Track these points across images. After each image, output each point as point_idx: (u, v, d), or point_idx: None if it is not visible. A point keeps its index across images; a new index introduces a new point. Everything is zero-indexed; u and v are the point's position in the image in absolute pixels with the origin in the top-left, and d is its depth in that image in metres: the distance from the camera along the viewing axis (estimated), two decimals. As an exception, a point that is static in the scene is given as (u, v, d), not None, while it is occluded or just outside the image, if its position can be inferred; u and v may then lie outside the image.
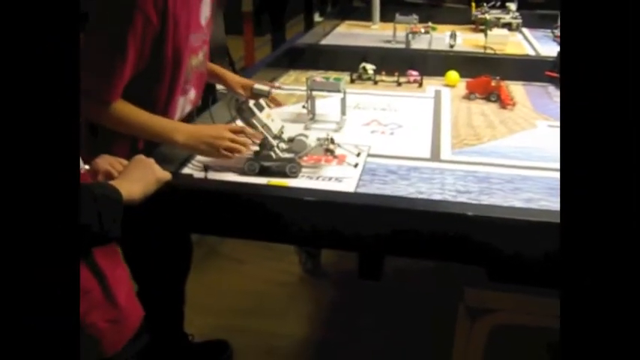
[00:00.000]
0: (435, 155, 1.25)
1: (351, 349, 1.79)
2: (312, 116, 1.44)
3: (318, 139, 1.16)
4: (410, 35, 2.10)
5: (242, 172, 1.13)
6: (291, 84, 1.80)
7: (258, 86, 1.36)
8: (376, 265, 0.93)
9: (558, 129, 1.42)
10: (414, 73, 1.76)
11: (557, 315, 0.78)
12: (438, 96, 1.66)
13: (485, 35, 2.18)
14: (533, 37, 2.43)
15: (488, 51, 2.10)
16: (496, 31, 2.22)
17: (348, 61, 1.85)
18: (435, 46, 2.16)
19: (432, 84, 1.76)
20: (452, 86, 1.75)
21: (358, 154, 1.21)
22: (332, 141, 1.16)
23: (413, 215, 0.88)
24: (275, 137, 1.15)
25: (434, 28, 2.24)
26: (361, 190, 1.08)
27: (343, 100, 1.42)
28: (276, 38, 4.48)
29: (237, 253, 2.24)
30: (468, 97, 1.63)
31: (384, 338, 1.81)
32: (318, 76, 1.47)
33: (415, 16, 2.20)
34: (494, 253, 0.89)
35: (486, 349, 0.95)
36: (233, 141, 1.13)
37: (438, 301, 1.88)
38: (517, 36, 2.44)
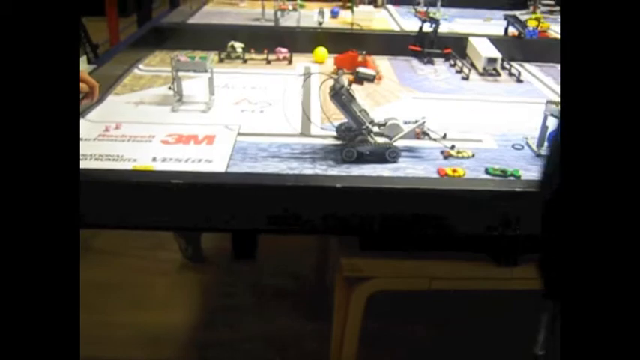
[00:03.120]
0: (305, 131, 1.26)
1: (235, 331, 1.78)
2: (179, 97, 1.39)
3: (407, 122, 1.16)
4: (279, 13, 2.09)
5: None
6: (157, 65, 1.73)
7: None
8: (250, 245, 0.92)
9: (421, 100, 1.49)
10: (283, 50, 1.76)
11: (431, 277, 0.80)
12: (306, 72, 1.67)
13: (352, 12, 2.23)
14: (397, 14, 2.52)
15: (355, 27, 2.14)
16: (362, 8, 2.27)
17: (216, 40, 1.80)
18: (304, 24, 2.17)
19: (301, 61, 1.77)
20: (320, 62, 1.76)
21: (449, 142, 1.18)
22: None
23: (284, 191, 0.88)
24: (371, 123, 1.12)
25: (302, 6, 2.25)
26: (232, 170, 1.06)
27: (211, 80, 1.38)
28: (141, 18, 4.27)
29: (112, 245, 2.14)
30: (336, 72, 1.65)
31: (265, 319, 1.81)
32: (184, 55, 1.42)
33: (282, -7, 2.19)
34: (364, 222, 0.91)
35: (364, 318, 0.98)
36: None
37: (320, 276, 1.92)
38: (382, 12, 2.52)
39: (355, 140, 1.12)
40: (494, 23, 2.41)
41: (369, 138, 1.12)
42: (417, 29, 1.91)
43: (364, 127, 1.12)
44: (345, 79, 1.16)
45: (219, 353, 1.72)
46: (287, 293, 1.87)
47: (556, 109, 1.18)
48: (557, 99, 1.42)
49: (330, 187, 0.87)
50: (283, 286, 1.90)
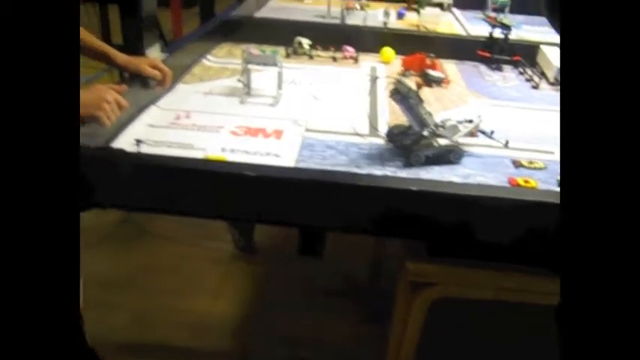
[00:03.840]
0: (373, 131, 1.25)
1: (282, 324, 1.79)
2: (247, 90, 1.40)
3: (467, 121, 1.17)
4: (345, 11, 2.08)
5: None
6: (224, 57, 1.74)
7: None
8: (318, 242, 0.91)
9: (489, 106, 1.46)
10: (350, 49, 1.75)
11: (497, 288, 0.80)
12: (373, 72, 1.66)
13: (419, 14, 2.20)
14: (463, 18, 2.48)
15: (422, 29, 2.12)
16: (429, 10, 2.24)
17: (282, 35, 1.81)
18: (369, 24, 2.15)
19: (367, 60, 1.76)
20: (387, 63, 1.75)
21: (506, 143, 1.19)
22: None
23: (357, 191, 0.88)
24: (436, 125, 1.11)
25: (367, 5, 2.24)
26: (300, 165, 1.06)
27: (280, 74, 1.38)
28: (204, 10, 4.33)
29: (168, 231, 2.18)
30: (403, 74, 1.64)
31: (315, 318, 1.81)
32: (255, 48, 1.43)
33: (349, -8, 2.18)
34: (434, 227, 0.90)
35: (425, 323, 0.96)
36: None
37: (374, 278, 1.91)
38: (448, 15, 2.48)
39: (420, 144, 1.10)
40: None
41: (433, 141, 1.10)
42: (485, 34, 1.87)
43: (430, 129, 1.10)
44: (410, 82, 1.15)
45: (263, 348, 1.73)
46: (339, 293, 1.87)
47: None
48: None
49: (404, 189, 0.86)
50: (335, 286, 1.90)
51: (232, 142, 1.14)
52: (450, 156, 1.11)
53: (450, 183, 0.98)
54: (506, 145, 1.19)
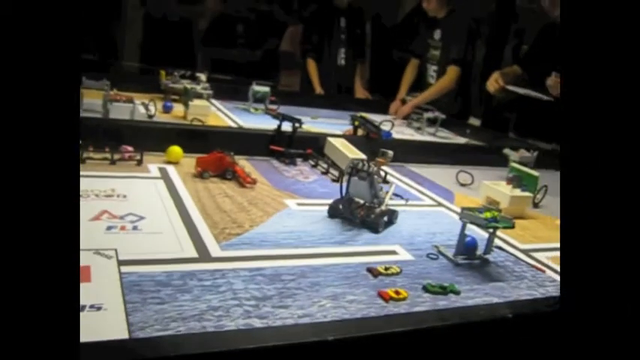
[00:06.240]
0: (203, 253, 1.01)
1: None
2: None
3: None
4: (109, 103, 1.78)
5: None
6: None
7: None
8: None
9: (310, 207, 1.34)
10: (129, 148, 1.47)
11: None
12: (166, 175, 1.41)
13: (187, 106, 2.02)
14: (225, 109, 2.38)
15: (195, 122, 1.94)
16: (197, 102, 2.08)
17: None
18: (136, 117, 1.88)
19: (152, 161, 1.49)
20: (175, 163, 1.52)
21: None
22: None
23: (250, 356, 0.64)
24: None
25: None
26: (136, 318, 0.76)
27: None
28: None
29: None
30: (200, 175, 1.43)
31: None
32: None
33: (107, 81, 1.88)
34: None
35: None
36: None
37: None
38: (210, 107, 2.35)
39: (376, 212, 1.26)
40: (321, 121, 2.41)
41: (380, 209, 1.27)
42: (263, 127, 1.78)
43: (380, 200, 1.28)
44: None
45: None
46: None
47: (473, 215, 1.13)
48: (449, 204, 1.41)
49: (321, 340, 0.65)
50: None
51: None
52: (393, 217, 1.31)
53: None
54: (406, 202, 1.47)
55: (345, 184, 1.30)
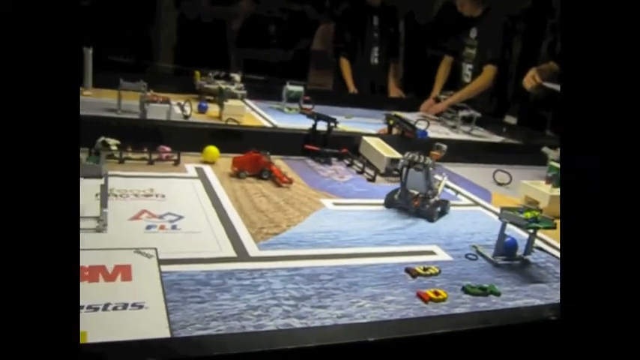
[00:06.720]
0: (242, 252, 1.01)
1: None
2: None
3: None
4: (146, 105, 1.80)
5: None
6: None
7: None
8: None
9: (347, 207, 1.34)
10: (167, 148, 1.49)
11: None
12: (202, 175, 1.42)
13: (221, 107, 2.03)
14: (259, 108, 2.38)
15: (230, 122, 1.95)
16: (232, 102, 2.09)
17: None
18: (173, 118, 1.90)
19: (186, 161, 1.51)
20: (211, 163, 1.53)
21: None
22: None
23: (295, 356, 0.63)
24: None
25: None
26: (177, 317, 0.77)
27: (104, 187, 1.06)
28: None
29: None
30: (237, 175, 1.43)
31: None
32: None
33: (144, 82, 1.91)
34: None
35: None
36: None
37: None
38: (246, 107, 2.36)
39: (431, 202, 1.33)
40: (355, 121, 2.40)
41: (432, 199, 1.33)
42: (298, 127, 1.78)
43: (434, 191, 1.35)
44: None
45: None
46: None
47: (513, 215, 1.11)
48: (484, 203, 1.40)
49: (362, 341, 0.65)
50: None
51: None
52: (446, 207, 1.37)
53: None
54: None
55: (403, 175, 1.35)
